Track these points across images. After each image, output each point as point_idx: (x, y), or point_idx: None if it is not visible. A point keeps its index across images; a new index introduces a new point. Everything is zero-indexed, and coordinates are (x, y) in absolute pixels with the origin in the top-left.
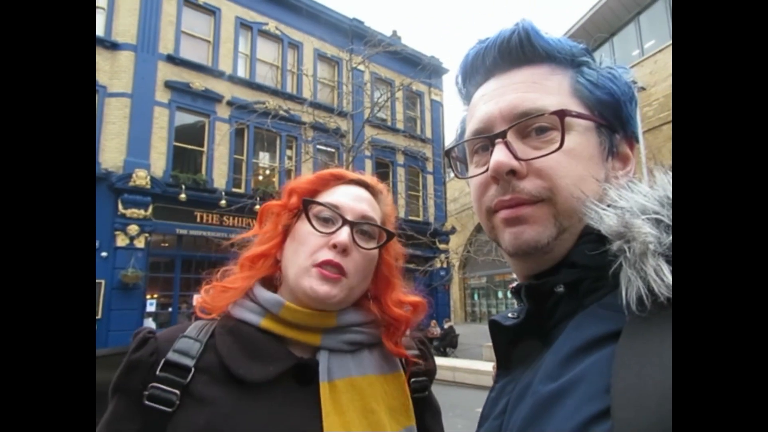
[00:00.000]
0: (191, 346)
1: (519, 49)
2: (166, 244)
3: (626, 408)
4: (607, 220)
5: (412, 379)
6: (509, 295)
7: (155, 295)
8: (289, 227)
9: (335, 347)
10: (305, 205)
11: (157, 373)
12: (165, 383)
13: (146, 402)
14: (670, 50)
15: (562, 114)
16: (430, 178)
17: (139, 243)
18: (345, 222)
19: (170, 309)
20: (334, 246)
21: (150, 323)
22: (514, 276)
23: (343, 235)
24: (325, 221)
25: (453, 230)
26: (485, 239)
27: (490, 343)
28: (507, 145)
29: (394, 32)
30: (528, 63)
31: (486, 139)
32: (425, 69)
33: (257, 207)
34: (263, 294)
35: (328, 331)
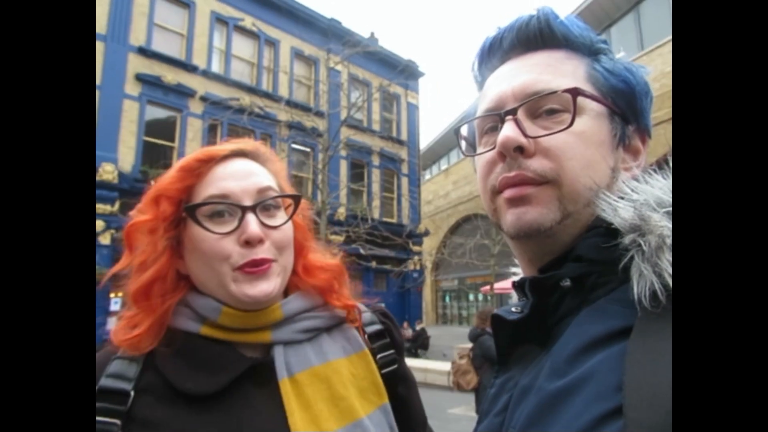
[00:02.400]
0: (127, 368)
1: (537, 33)
2: None
3: (639, 407)
4: (622, 213)
5: (379, 355)
6: (480, 297)
7: (120, 294)
8: (176, 239)
9: (289, 339)
10: (189, 212)
11: None
12: (101, 414)
13: None
14: (638, 61)
15: (575, 92)
16: (405, 180)
17: (104, 239)
18: (244, 210)
19: None
20: (247, 242)
21: (114, 323)
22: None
23: (252, 226)
24: (221, 216)
25: (427, 232)
26: (459, 242)
27: (461, 345)
28: (516, 122)
29: (372, 34)
30: (545, 47)
31: (496, 116)
32: (403, 72)
33: None
34: (196, 300)
35: (277, 325)
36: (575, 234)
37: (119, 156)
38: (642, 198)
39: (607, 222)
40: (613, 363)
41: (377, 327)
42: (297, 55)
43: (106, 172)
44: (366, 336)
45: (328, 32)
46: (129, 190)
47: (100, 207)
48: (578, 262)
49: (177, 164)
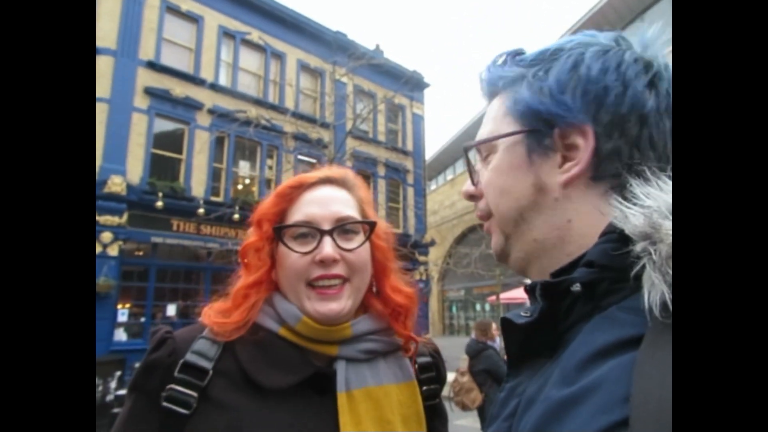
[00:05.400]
0: (209, 349)
1: (482, 90)
2: (141, 253)
3: (646, 420)
4: (633, 220)
5: (424, 387)
6: (487, 308)
7: (127, 305)
8: (274, 252)
9: (352, 356)
10: (277, 233)
11: (175, 374)
12: (183, 385)
13: (164, 403)
14: None
15: (465, 151)
16: (410, 191)
17: (113, 251)
18: (323, 233)
19: (143, 319)
20: (321, 261)
21: (121, 334)
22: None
23: (327, 248)
24: (304, 237)
25: (433, 242)
26: (465, 252)
27: (467, 357)
28: (471, 174)
29: (377, 46)
30: (494, 96)
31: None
32: (408, 83)
33: (236, 216)
34: (281, 304)
35: (344, 342)
36: (527, 249)
37: (128, 168)
38: (654, 204)
39: (619, 228)
40: (622, 373)
41: (427, 359)
42: (303, 67)
43: (114, 184)
44: (416, 367)
45: (334, 45)
46: (137, 202)
47: (109, 218)
48: (590, 268)
49: (274, 191)
